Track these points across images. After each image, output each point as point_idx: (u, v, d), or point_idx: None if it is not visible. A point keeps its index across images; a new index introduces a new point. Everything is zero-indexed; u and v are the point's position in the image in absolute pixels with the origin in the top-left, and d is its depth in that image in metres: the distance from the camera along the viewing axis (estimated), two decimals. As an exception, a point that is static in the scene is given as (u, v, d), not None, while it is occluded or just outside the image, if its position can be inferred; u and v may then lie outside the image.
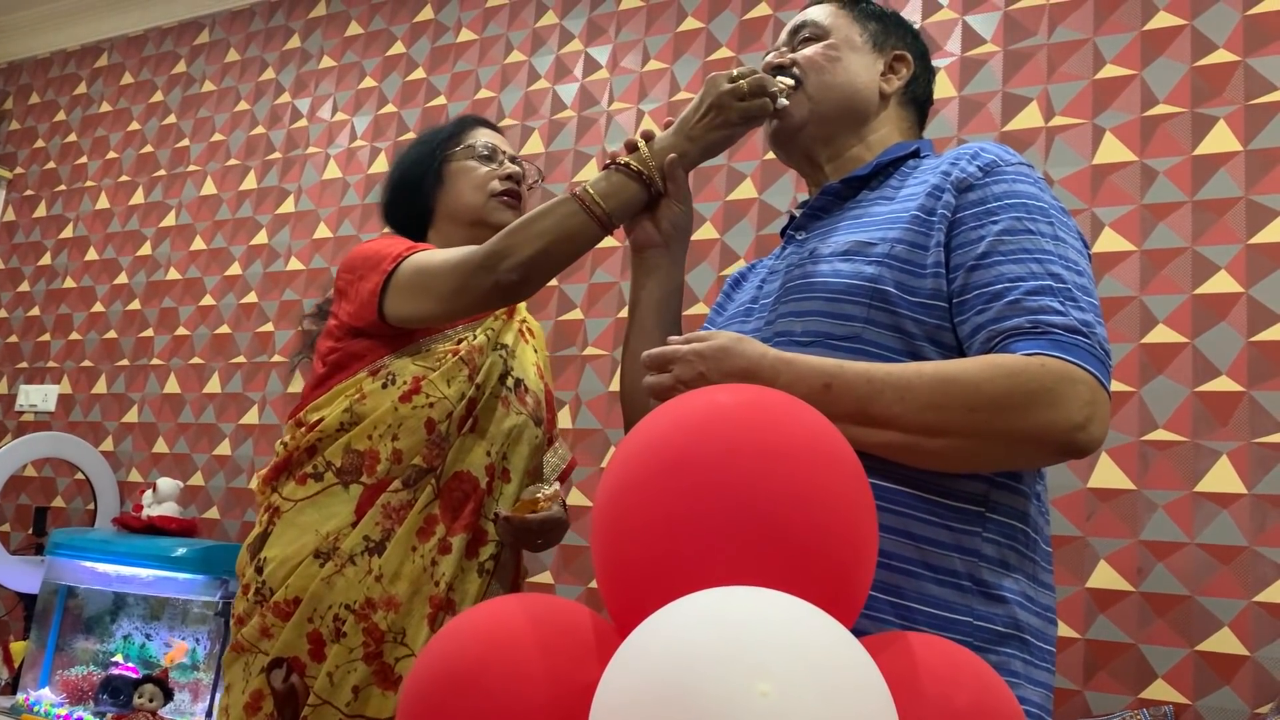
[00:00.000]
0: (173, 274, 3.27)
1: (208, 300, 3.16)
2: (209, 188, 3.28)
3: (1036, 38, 2.12)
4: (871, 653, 0.71)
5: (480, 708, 0.74)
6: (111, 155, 3.56)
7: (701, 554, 0.73)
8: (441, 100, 2.90)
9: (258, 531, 1.49)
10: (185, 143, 3.39)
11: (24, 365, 3.52)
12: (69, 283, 3.51)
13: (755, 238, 2.34)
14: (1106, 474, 1.87)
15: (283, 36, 3.30)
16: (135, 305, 3.32)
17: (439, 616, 1.42)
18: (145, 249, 3.36)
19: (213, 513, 2.97)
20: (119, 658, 2.60)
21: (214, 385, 3.07)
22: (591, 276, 2.52)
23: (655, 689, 0.64)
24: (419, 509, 1.44)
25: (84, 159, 3.62)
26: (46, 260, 3.59)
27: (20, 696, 2.63)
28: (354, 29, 3.15)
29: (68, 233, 3.57)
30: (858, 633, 0.75)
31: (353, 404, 1.46)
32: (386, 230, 1.69)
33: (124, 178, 3.50)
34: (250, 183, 3.20)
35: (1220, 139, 1.91)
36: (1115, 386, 1.82)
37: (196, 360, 3.13)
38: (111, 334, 3.34)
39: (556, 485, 1.55)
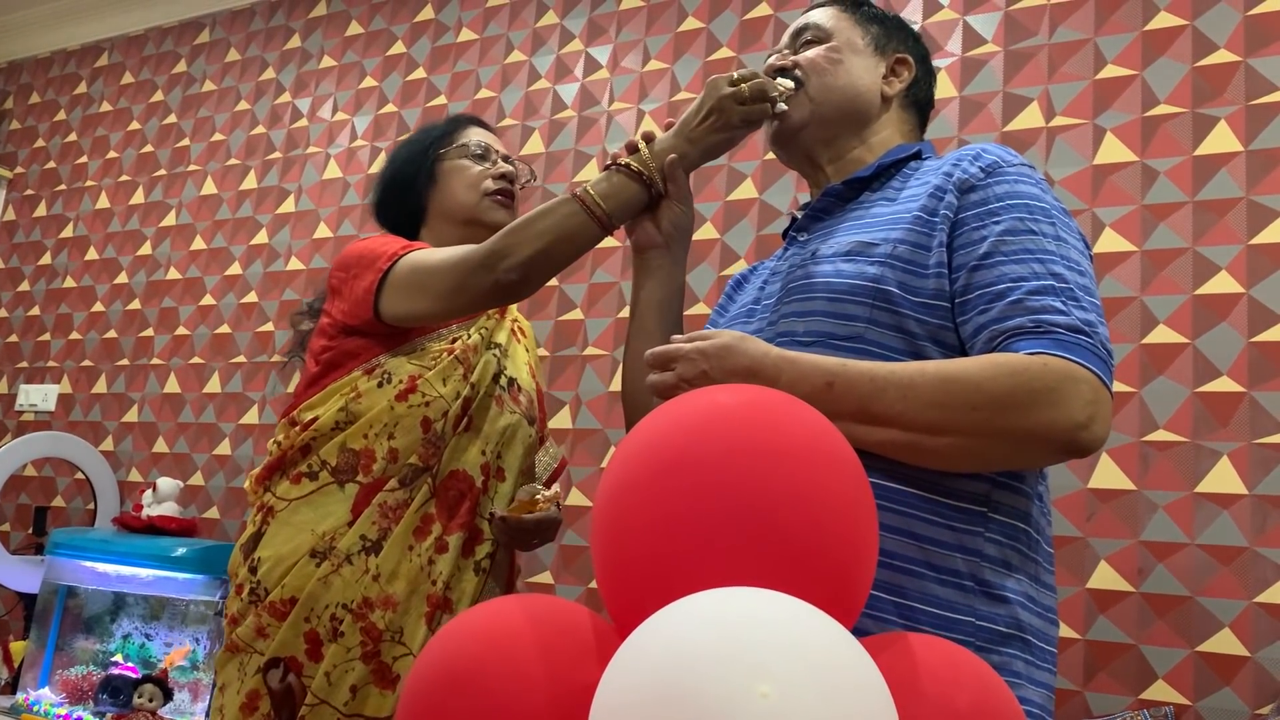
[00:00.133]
0: (173, 274, 3.27)
1: (208, 300, 3.16)
2: (209, 187, 3.28)
3: (1037, 38, 2.12)
4: (872, 653, 0.70)
5: (480, 708, 0.74)
6: (112, 155, 3.55)
7: (701, 554, 0.73)
8: (442, 100, 2.90)
9: (251, 531, 1.48)
10: (185, 142, 3.39)
11: (24, 365, 3.52)
12: (69, 282, 3.51)
13: (756, 238, 2.34)
14: (1107, 474, 1.86)
15: (283, 36, 3.29)
16: (135, 305, 3.32)
17: (436, 615, 1.42)
18: (145, 248, 3.36)
19: (213, 512, 2.97)
20: (119, 657, 2.60)
21: (214, 385, 3.07)
22: (592, 276, 2.52)
23: (655, 690, 0.64)
24: (415, 508, 1.44)
25: (84, 158, 3.62)
26: (47, 260, 3.59)
27: (20, 696, 2.63)
28: (354, 29, 3.15)
29: (68, 232, 3.57)
30: (861, 633, 0.75)
31: (348, 403, 1.46)
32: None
33: (124, 177, 3.50)
34: (250, 182, 3.20)
35: (1221, 139, 1.90)
36: (1116, 387, 1.82)
37: (196, 360, 3.13)
38: (112, 333, 3.34)
39: (556, 488, 1.55)
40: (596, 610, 0.83)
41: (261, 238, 3.11)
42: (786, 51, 1.27)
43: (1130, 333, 1.89)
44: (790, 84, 1.22)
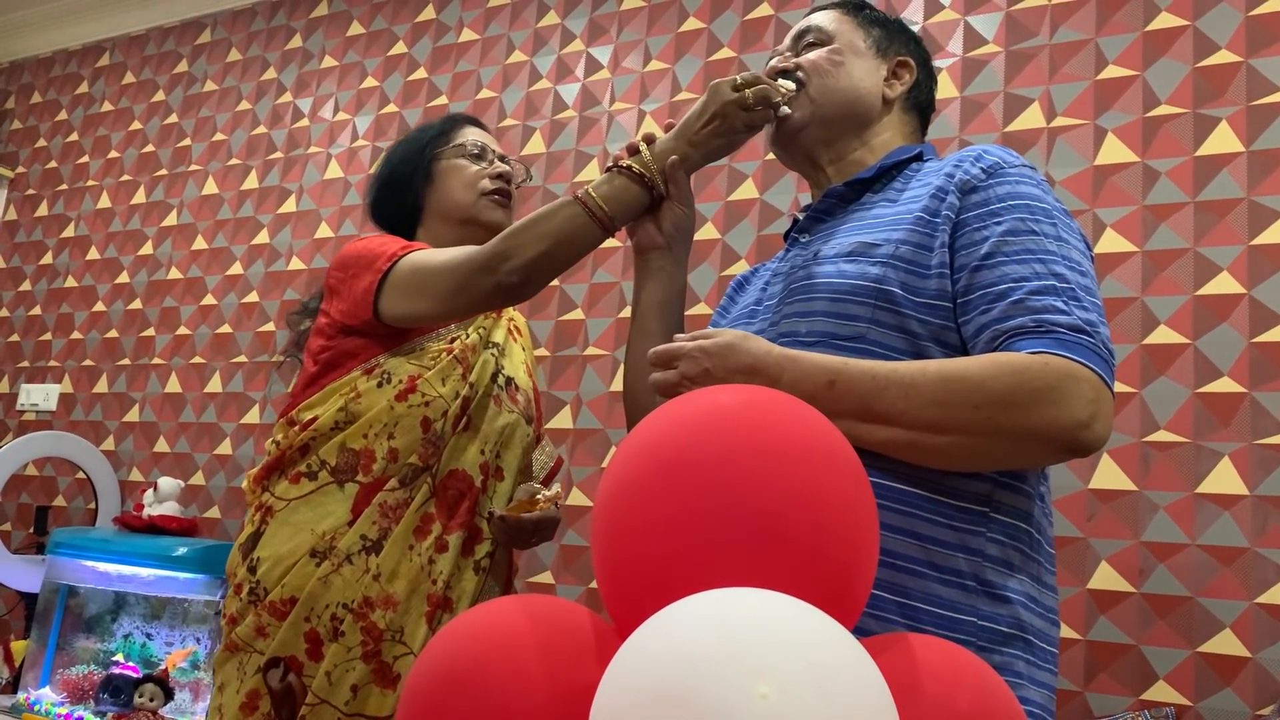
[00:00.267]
0: (174, 273, 3.27)
1: (209, 300, 3.16)
2: (210, 187, 3.28)
3: (1038, 38, 2.12)
4: (872, 654, 0.70)
5: (480, 708, 0.74)
6: (113, 154, 3.56)
7: (702, 554, 0.73)
8: (443, 100, 2.90)
9: (249, 531, 1.48)
10: (187, 142, 3.39)
11: (25, 364, 3.52)
12: (70, 282, 3.51)
13: (756, 238, 2.34)
14: (1108, 475, 1.86)
15: (284, 36, 3.30)
16: (136, 304, 3.32)
17: (437, 615, 1.42)
18: (147, 248, 3.36)
19: (213, 512, 2.97)
20: (120, 657, 2.60)
21: (215, 384, 3.07)
22: (593, 277, 2.52)
23: (655, 690, 0.64)
24: (415, 508, 1.44)
25: (85, 158, 3.62)
26: (48, 259, 3.59)
27: (21, 695, 2.63)
28: (355, 29, 3.15)
29: (69, 232, 3.57)
30: (864, 633, 0.75)
31: (347, 403, 1.46)
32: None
33: (125, 177, 3.50)
34: (251, 182, 3.20)
35: (1222, 140, 1.90)
36: (1117, 388, 1.82)
37: (198, 359, 3.13)
38: (113, 333, 3.34)
39: (557, 488, 1.55)
40: (596, 610, 0.83)
41: (263, 237, 3.11)
42: (788, 54, 1.27)
43: (1131, 333, 1.89)
44: (792, 85, 1.22)
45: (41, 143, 3.76)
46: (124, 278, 3.38)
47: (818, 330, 1.07)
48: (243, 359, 3.04)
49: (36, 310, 3.56)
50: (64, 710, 2.50)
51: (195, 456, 3.05)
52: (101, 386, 3.31)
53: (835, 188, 1.21)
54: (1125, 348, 1.88)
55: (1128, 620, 1.80)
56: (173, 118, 3.46)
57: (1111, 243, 1.95)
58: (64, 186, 3.64)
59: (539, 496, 1.48)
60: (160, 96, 3.51)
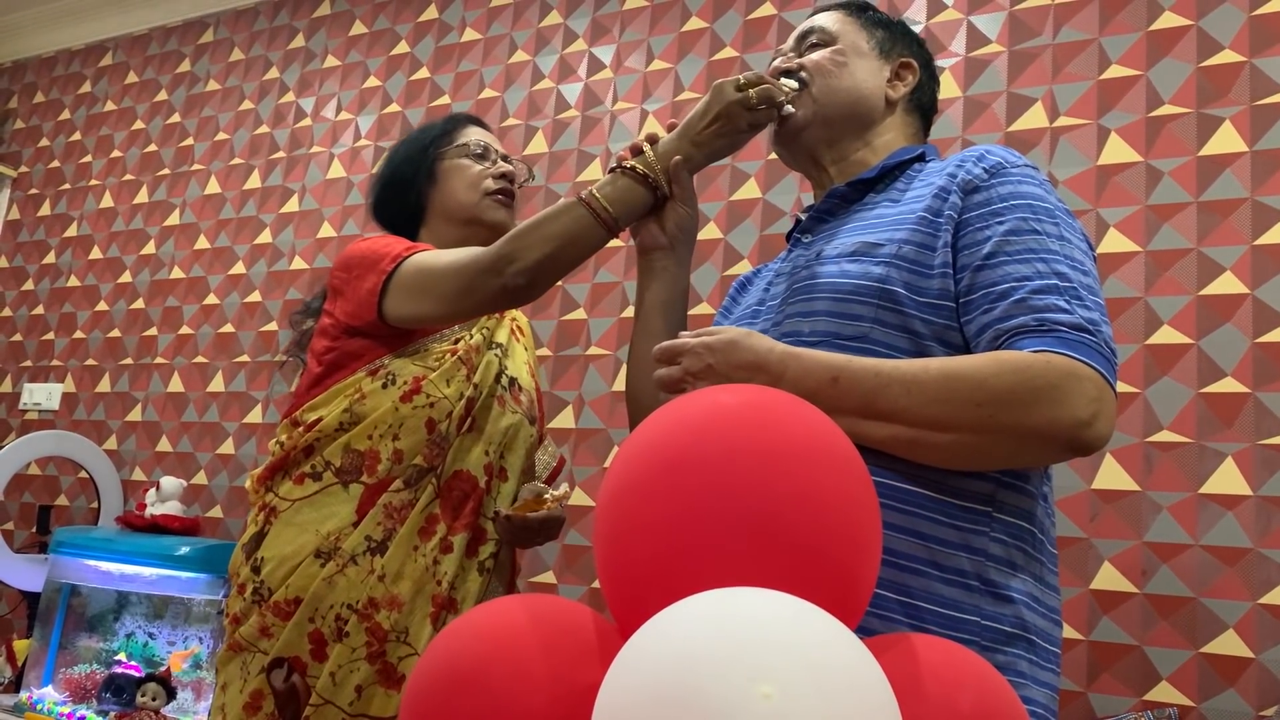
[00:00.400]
0: (177, 273, 3.27)
1: (211, 299, 3.16)
2: (213, 187, 3.28)
3: (1041, 38, 2.12)
4: (874, 654, 0.70)
5: (482, 708, 0.74)
6: (116, 154, 3.56)
7: (704, 554, 0.73)
8: (445, 100, 2.90)
9: (253, 531, 1.48)
10: (189, 141, 3.40)
11: (28, 364, 3.53)
12: (73, 281, 3.51)
13: (759, 238, 2.34)
14: (1111, 475, 1.86)
15: (287, 36, 3.30)
16: (139, 304, 3.32)
17: (442, 615, 1.42)
18: (149, 248, 3.36)
19: (216, 511, 2.97)
20: (122, 656, 2.60)
21: (218, 384, 3.07)
22: (595, 276, 2.52)
23: (657, 690, 0.64)
24: (420, 508, 1.44)
25: (88, 158, 3.63)
26: (51, 259, 3.60)
27: (23, 695, 2.63)
28: (358, 28, 3.15)
29: (72, 231, 3.57)
30: (868, 632, 0.75)
31: (352, 404, 1.46)
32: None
33: (128, 176, 3.50)
34: (254, 182, 3.20)
35: (1226, 140, 1.90)
36: (1120, 388, 1.81)
37: (200, 359, 3.13)
38: (115, 333, 3.34)
39: (565, 487, 1.55)
40: (599, 610, 0.83)
41: (265, 237, 3.11)
42: (792, 54, 1.27)
43: (1134, 333, 1.89)
44: (794, 85, 1.23)
45: (44, 142, 3.77)
46: (126, 277, 3.38)
47: (821, 330, 1.07)
48: (245, 358, 3.04)
49: (39, 310, 3.56)
50: (66, 709, 2.51)
51: (198, 456, 3.06)
52: (104, 386, 3.32)
53: (838, 188, 1.21)
54: (1128, 348, 1.88)
55: (1131, 621, 1.80)
56: (175, 117, 3.46)
57: (1115, 243, 1.95)
58: (67, 186, 3.65)
59: (546, 496, 1.49)
60: (163, 96, 3.51)
